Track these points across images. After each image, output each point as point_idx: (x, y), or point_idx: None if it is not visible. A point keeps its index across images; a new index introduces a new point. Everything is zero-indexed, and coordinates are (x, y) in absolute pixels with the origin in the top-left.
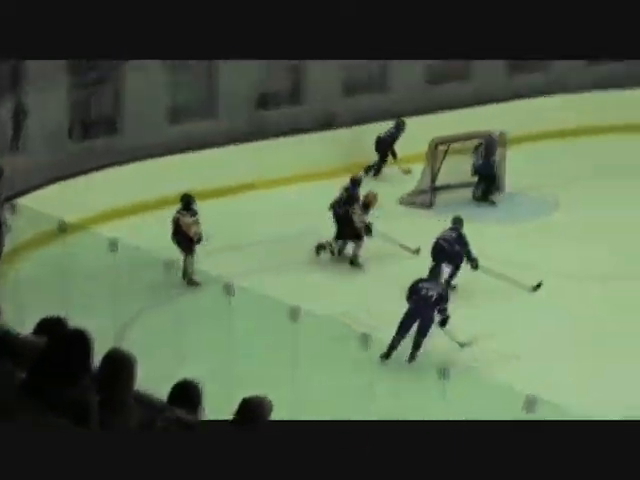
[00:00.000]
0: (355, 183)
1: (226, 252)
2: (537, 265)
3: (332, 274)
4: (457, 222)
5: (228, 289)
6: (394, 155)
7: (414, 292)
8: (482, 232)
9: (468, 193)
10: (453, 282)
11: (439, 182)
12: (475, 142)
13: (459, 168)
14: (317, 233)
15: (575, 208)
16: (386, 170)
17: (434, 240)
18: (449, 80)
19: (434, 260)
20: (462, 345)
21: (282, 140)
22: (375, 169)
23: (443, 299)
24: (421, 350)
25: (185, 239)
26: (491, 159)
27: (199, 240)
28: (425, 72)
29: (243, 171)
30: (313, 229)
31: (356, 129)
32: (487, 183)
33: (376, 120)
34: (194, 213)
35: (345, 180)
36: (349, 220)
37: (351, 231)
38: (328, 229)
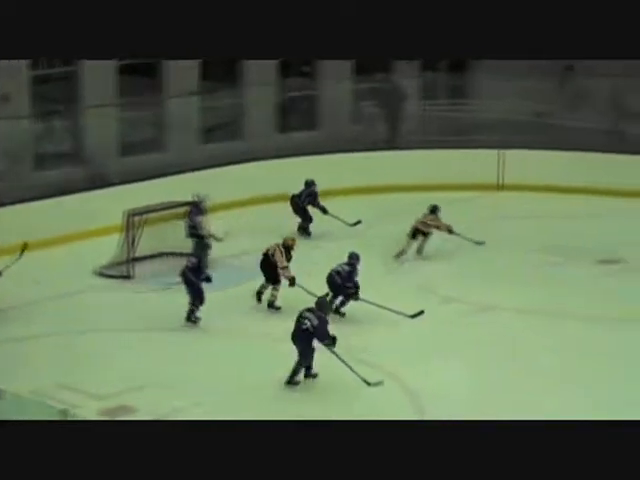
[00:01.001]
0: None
1: None
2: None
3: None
4: (353, 257)
5: None
6: (323, 211)
7: (297, 320)
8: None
9: (178, 262)
10: (342, 309)
11: (139, 253)
12: (184, 210)
13: (160, 238)
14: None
15: None
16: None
17: (329, 271)
18: (145, 152)
19: (330, 290)
20: (370, 384)
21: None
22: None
23: (316, 330)
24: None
25: None
26: (197, 222)
27: None
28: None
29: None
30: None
31: None
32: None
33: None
34: None
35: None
36: (273, 266)
37: (274, 276)
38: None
